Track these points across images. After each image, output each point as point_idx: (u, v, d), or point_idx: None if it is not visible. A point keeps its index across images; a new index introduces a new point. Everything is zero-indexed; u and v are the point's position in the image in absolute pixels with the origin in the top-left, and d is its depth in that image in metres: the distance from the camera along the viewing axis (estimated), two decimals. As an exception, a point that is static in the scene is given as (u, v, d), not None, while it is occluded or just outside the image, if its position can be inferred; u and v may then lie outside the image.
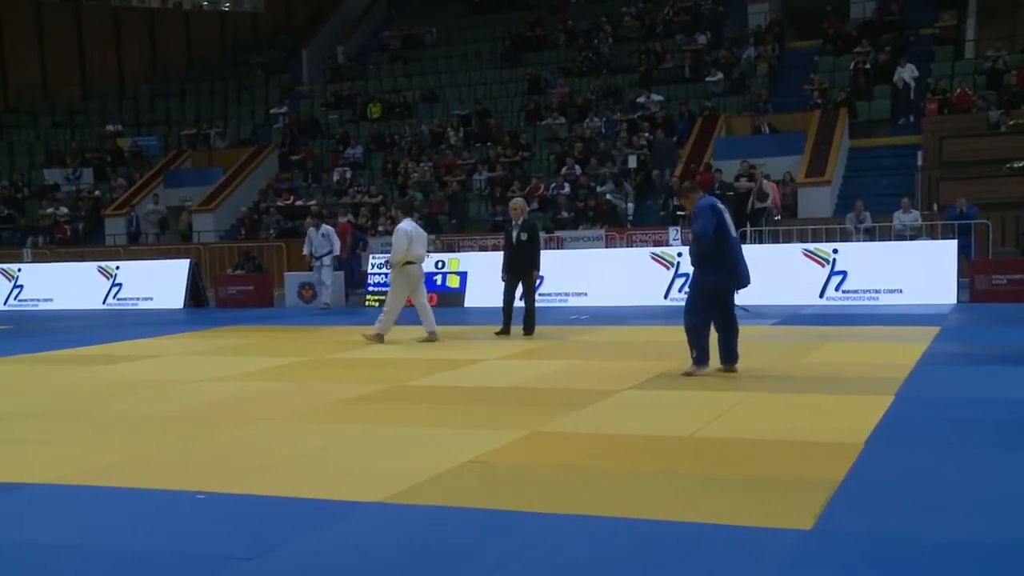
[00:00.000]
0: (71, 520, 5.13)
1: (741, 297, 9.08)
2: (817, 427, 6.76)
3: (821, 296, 16.27)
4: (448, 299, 18.07)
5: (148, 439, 7.07)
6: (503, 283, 13.17)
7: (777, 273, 16.60)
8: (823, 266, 16.41)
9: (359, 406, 8.13)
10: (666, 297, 16.73)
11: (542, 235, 15.52)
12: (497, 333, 12.71)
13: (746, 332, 12.53)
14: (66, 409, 8.44)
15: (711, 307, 8.99)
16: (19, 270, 21.71)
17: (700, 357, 9.02)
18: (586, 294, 16.88)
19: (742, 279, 8.98)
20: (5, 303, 21.08)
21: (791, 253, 16.98)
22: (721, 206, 9.02)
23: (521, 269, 12.85)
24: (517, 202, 13.38)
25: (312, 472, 5.94)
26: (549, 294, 17.61)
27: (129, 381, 10.01)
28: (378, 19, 36.83)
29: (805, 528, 4.57)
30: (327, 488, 5.46)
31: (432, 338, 12.51)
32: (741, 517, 4.74)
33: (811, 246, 16.97)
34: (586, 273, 17.13)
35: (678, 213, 21.72)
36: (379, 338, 12.60)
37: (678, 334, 11.93)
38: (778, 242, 19.17)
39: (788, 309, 15.30)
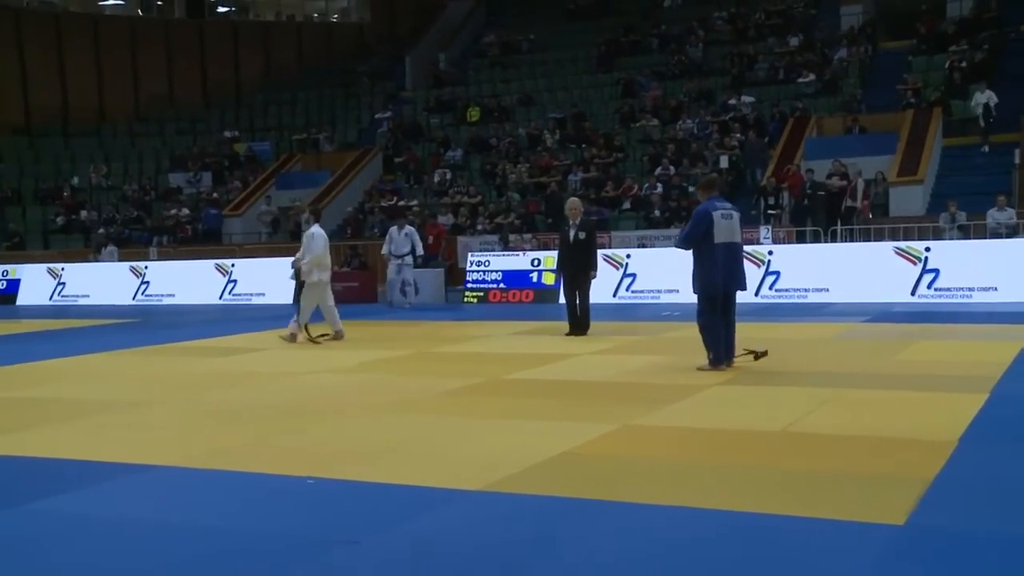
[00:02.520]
0: (189, 501, 5.29)
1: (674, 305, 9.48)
2: (909, 424, 6.57)
3: (913, 294, 15.80)
4: (543, 296, 18.09)
5: (260, 426, 7.24)
6: (557, 282, 13.06)
7: (868, 271, 16.20)
8: (915, 264, 15.93)
9: (458, 398, 8.19)
10: (757, 295, 16.45)
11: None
12: (567, 334, 12.43)
13: (836, 330, 12.27)
14: (185, 397, 8.69)
15: (714, 307, 9.03)
16: (146, 267, 22.49)
17: (715, 358, 9.03)
18: (677, 291, 16.71)
19: (736, 282, 9.15)
20: (134, 298, 21.84)
21: (882, 251, 16.52)
22: (718, 212, 9.01)
23: (577, 268, 12.56)
24: (573, 202, 13.09)
25: (414, 461, 6.00)
26: (641, 291, 17.51)
27: (242, 372, 10.27)
28: (478, 27, 37.02)
29: (897, 524, 4.44)
30: (428, 476, 5.51)
31: (339, 336, 12.71)
32: (832, 511, 4.63)
33: (903, 244, 16.49)
34: (678, 270, 16.94)
35: (769, 212, 21.33)
36: (292, 337, 12.69)
37: (767, 331, 11.74)
38: (869, 241, 18.68)
39: (879, 307, 14.90)
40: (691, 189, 23.26)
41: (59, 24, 36.21)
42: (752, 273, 16.49)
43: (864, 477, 5.27)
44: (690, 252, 9.22)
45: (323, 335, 12.75)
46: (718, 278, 9.05)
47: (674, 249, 10.04)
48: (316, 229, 12.72)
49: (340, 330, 12.80)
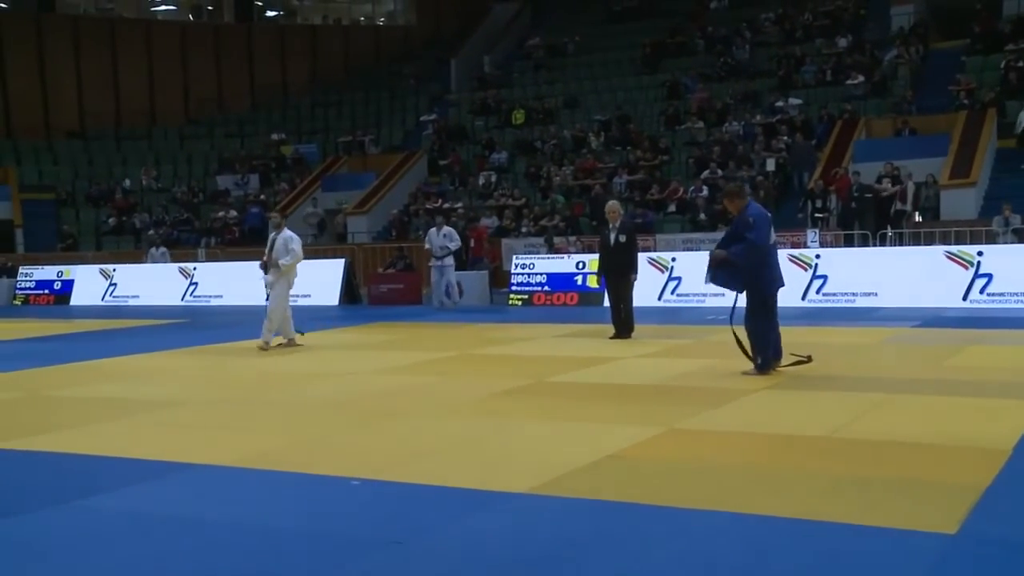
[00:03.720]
0: (235, 500, 5.34)
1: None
2: (960, 431, 6.45)
3: (964, 299, 15.52)
4: (588, 299, 18.05)
5: (306, 427, 7.30)
6: (601, 285, 13.03)
7: (918, 276, 15.95)
8: (967, 269, 15.65)
9: (504, 400, 8.20)
10: (803, 299, 16.28)
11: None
12: (612, 337, 12.38)
13: (884, 334, 12.11)
14: (233, 398, 8.79)
15: (767, 310, 8.96)
16: (195, 268, 22.79)
17: (763, 362, 8.92)
18: (723, 294, 16.56)
19: (781, 280, 9.16)
20: (183, 299, 22.14)
21: (933, 255, 16.26)
22: (766, 212, 9.12)
23: (618, 271, 12.51)
24: (612, 204, 13.02)
25: (460, 462, 6.02)
26: (686, 294, 17.39)
27: (288, 373, 10.36)
28: (522, 30, 37.06)
29: (949, 532, 4.36)
30: (474, 478, 5.52)
31: (292, 343, 12.51)
32: (882, 518, 4.56)
33: (954, 248, 16.22)
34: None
35: (816, 216, 21.10)
36: (290, 342, 12.56)
37: (814, 335, 11.61)
38: (919, 244, 18.40)
39: (929, 312, 14.67)
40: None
41: (114, 30, 36.85)
42: (799, 277, 16.34)
43: (914, 484, 5.19)
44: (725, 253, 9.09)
45: (280, 344, 12.50)
46: (772, 279, 8.97)
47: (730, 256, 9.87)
48: (292, 233, 12.72)
49: (293, 338, 12.63)
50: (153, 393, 9.09)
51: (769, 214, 9.23)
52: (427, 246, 19.05)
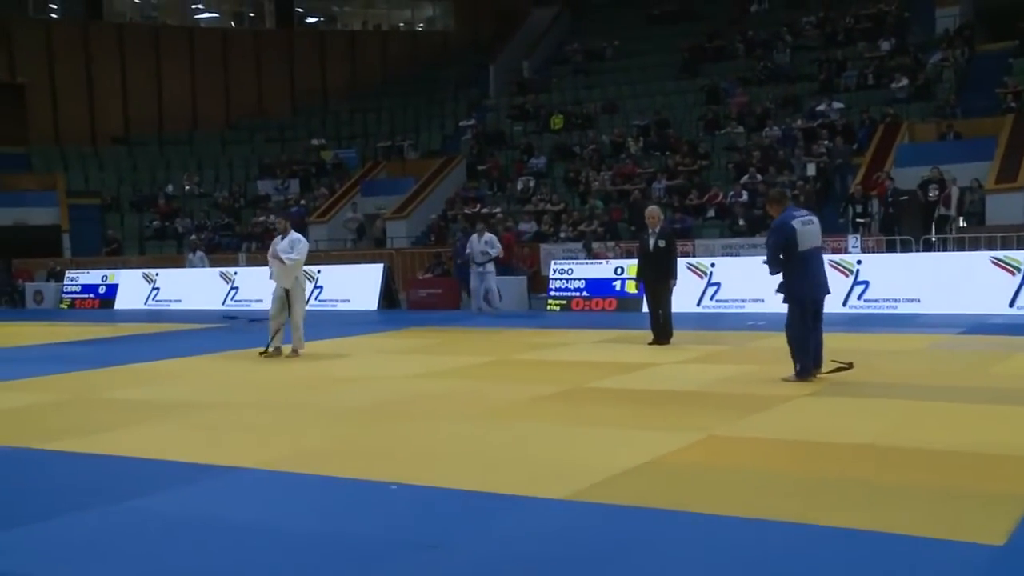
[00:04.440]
0: (273, 503, 5.37)
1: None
2: (1005, 440, 6.33)
3: (1011, 305, 15.25)
4: (626, 304, 17.97)
5: (345, 430, 7.34)
6: (639, 290, 13.00)
7: (962, 282, 15.70)
8: (1014, 275, 15.37)
9: (541, 406, 8.18)
10: (844, 304, 16.09)
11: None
12: (650, 343, 12.29)
13: (927, 341, 11.93)
14: (272, 400, 8.85)
15: (803, 316, 8.85)
16: (235, 273, 23.01)
17: (802, 369, 8.84)
18: (763, 300, 16.44)
19: (823, 287, 9.05)
20: (223, 303, 22.37)
21: (978, 261, 16.00)
22: (797, 222, 8.88)
23: (657, 277, 12.42)
24: (652, 210, 12.94)
25: (497, 467, 6.01)
26: (725, 300, 17.26)
27: (327, 376, 10.42)
28: (561, 34, 37.03)
29: (997, 544, 4.28)
30: (511, 483, 5.51)
31: (296, 353, 12.01)
32: (926, 528, 4.49)
33: (1000, 254, 15.94)
34: (763, 279, 16.70)
35: (857, 221, 20.86)
36: (295, 352, 12.06)
37: (855, 341, 11.47)
38: (964, 250, 18.12)
39: (974, 318, 14.43)
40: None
41: (158, 37, 37.36)
42: (840, 283, 16.14)
43: (958, 494, 5.09)
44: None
45: (265, 352, 12.05)
46: (807, 286, 8.92)
47: (760, 258, 9.85)
48: (299, 235, 12.52)
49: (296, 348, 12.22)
50: (192, 396, 9.18)
51: (809, 218, 9.11)
52: (467, 251, 19.11)
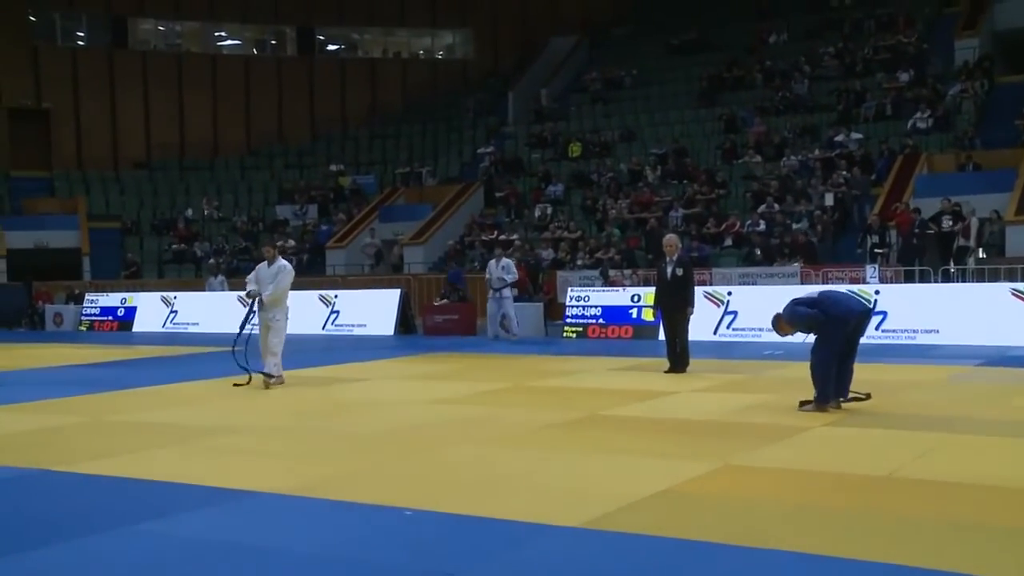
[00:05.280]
0: (289, 528, 5.38)
1: None
2: (1027, 473, 6.29)
3: (1031, 337, 15.15)
4: (642, 332, 17.96)
5: (361, 456, 7.35)
6: (656, 318, 13.02)
7: (982, 313, 15.62)
8: (1033, 307, 15.29)
9: (556, 433, 8.18)
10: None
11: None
12: (666, 371, 12.30)
13: (947, 372, 11.86)
14: (290, 426, 8.89)
15: (838, 342, 8.78)
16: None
17: (822, 398, 8.79)
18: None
19: (859, 307, 9.12)
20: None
21: (998, 293, 15.92)
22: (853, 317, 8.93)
23: (675, 305, 12.43)
24: (670, 238, 12.95)
25: (512, 495, 6.00)
26: (742, 329, 17.22)
27: (344, 401, 10.45)
28: (580, 63, 37.24)
29: (1014, 578, 4.24)
30: (526, 511, 5.51)
31: (280, 380, 11.69)
32: (942, 562, 4.45)
33: (1020, 285, 15.86)
34: (781, 308, 16.69)
35: (875, 251, 20.80)
36: (279, 380, 11.73)
37: (873, 372, 11.41)
38: (983, 281, 18.03)
39: (994, 350, 14.34)
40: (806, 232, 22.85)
41: (181, 64, 37.79)
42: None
43: (978, 527, 5.06)
44: (791, 289, 9.08)
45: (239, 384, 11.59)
46: (843, 306, 8.91)
47: (777, 287, 9.84)
48: (285, 263, 12.28)
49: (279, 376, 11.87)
50: (209, 419, 9.23)
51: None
52: (487, 276, 19.19)
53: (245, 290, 12.28)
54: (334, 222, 31.16)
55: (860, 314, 9.03)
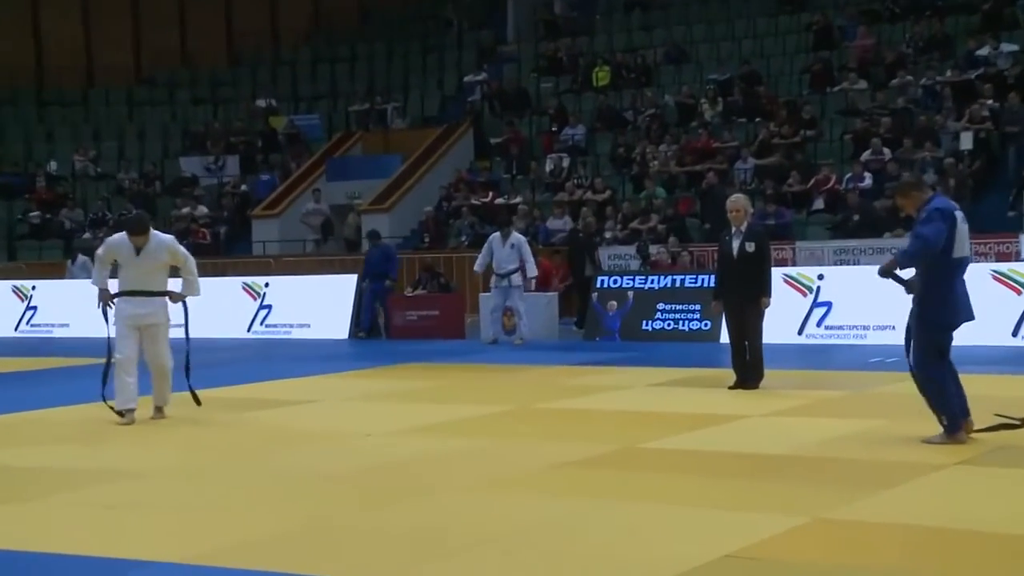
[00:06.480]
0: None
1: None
2: None
3: None
4: (698, 333, 18.00)
5: (309, 508, 7.39)
6: (720, 313, 13.27)
7: None
8: None
9: (579, 473, 8.23)
10: (1016, 335, 16.05)
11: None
12: (732, 387, 12.37)
13: None
14: (205, 466, 8.94)
15: (942, 350, 8.95)
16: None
17: (952, 424, 8.85)
18: (893, 327, 16.39)
19: (969, 311, 9.11)
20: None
21: None
22: (959, 213, 9.05)
23: (744, 294, 12.46)
24: (737, 200, 12.91)
25: (522, 560, 6.06)
26: (839, 327, 17.25)
27: (283, 433, 10.48)
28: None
29: None
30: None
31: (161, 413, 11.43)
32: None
33: None
34: (894, 298, 16.64)
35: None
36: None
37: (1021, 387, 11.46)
38: None
39: None
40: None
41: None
42: (1006, 304, 16.16)
43: None
44: (906, 273, 9.10)
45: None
46: (954, 309, 8.95)
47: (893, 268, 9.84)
48: (170, 238, 11.91)
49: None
50: (92, 461, 9.26)
51: (960, 214, 9.15)
52: (479, 264, 19.19)
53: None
54: (261, 180, 31.08)
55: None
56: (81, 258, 25.29)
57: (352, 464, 8.81)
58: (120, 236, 11.55)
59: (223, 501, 7.72)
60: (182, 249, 11.80)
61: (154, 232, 11.53)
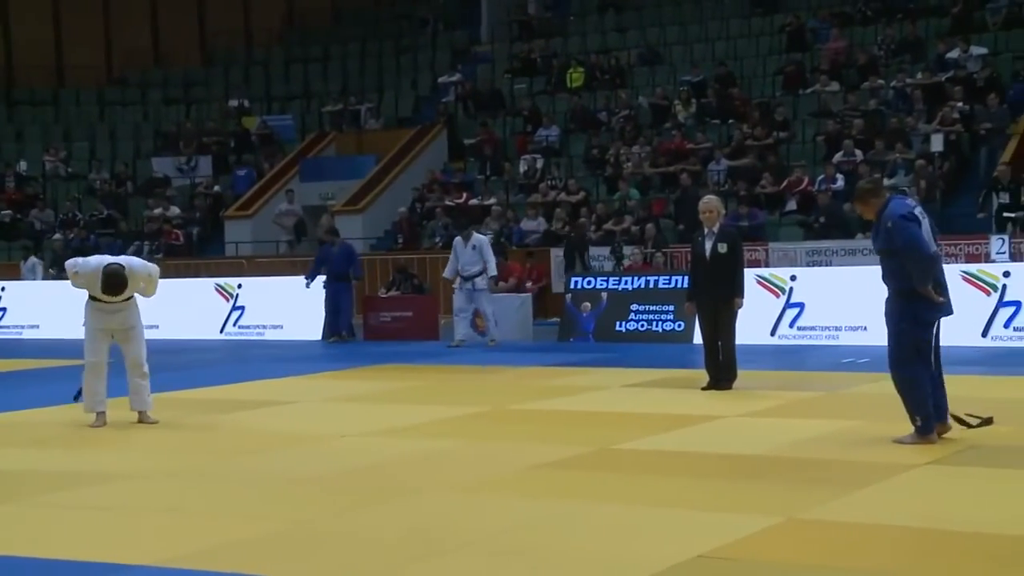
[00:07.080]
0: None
1: None
2: None
3: None
4: (671, 334, 18.07)
5: (286, 511, 7.42)
6: (693, 314, 13.29)
7: None
8: None
9: (555, 475, 8.27)
10: (985, 335, 16.17)
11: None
12: (705, 388, 12.44)
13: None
14: (182, 468, 8.95)
15: (922, 350, 8.98)
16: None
17: (926, 425, 8.92)
18: (865, 328, 16.55)
19: (948, 306, 9.17)
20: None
21: None
22: (919, 209, 9.17)
23: (717, 295, 12.51)
24: (710, 201, 12.95)
25: (492, 562, 6.10)
26: (812, 328, 17.34)
27: (261, 435, 10.53)
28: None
29: None
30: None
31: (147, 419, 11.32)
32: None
33: None
34: (866, 299, 16.75)
35: (1005, 216, 20.93)
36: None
37: (996, 387, 11.57)
38: None
39: None
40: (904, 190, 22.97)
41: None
42: (977, 304, 16.24)
43: None
44: (878, 272, 9.18)
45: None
46: (935, 303, 9.04)
47: (859, 269, 9.93)
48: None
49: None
50: (70, 463, 9.27)
51: (922, 210, 9.22)
52: (448, 270, 19.13)
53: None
54: (235, 180, 30.99)
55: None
56: (32, 260, 25.23)
57: (331, 466, 8.83)
58: (94, 274, 11.16)
59: (203, 504, 7.74)
60: (152, 269, 11.83)
61: (129, 272, 11.25)
